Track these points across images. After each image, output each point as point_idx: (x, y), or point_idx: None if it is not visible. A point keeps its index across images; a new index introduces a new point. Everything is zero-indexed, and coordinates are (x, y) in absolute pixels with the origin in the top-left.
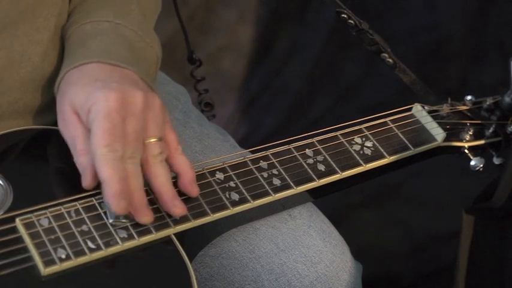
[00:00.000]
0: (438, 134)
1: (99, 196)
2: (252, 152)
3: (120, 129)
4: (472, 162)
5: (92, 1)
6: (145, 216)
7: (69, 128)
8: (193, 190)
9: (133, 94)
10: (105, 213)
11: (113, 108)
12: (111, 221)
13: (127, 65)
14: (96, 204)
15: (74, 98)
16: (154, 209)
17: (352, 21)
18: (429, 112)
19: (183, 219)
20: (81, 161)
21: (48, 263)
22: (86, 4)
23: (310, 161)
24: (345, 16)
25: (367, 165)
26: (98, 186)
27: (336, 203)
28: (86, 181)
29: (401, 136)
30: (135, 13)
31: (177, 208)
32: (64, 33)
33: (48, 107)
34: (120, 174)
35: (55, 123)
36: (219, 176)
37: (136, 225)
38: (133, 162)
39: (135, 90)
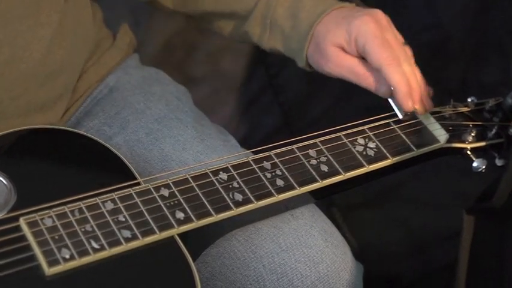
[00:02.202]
0: (441, 135)
1: (103, 196)
2: (255, 153)
3: (387, 42)
4: (475, 164)
5: None
6: (423, 108)
7: (343, 62)
8: (429, 88)
9: (376, 13)
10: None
11: (374, 28)
12: (401, 117)
13: (340, 4)
14: (100, 204)
15: (335, 38)
16: (157, 209)
17: None
18: (432, 113)
19: (187, 220)
20: (369, 81)
21: (52, 263)
22: None
23: (313, 161)
24: None
25: (370, 166)
26: (98, 185)
27: (337, 203)
28: (387, 93)
29: (404, 137)
30: None
31: (430, 103)
32: (262, 13)
33: (51, 105)
34: (405, 78)
35: (58, 122)
36: (222, 176)
37: (140, 225)
38: (408, 64)
39: (374, 10)
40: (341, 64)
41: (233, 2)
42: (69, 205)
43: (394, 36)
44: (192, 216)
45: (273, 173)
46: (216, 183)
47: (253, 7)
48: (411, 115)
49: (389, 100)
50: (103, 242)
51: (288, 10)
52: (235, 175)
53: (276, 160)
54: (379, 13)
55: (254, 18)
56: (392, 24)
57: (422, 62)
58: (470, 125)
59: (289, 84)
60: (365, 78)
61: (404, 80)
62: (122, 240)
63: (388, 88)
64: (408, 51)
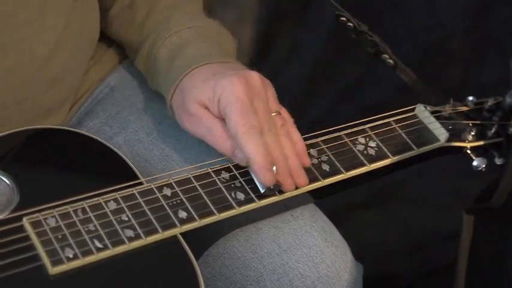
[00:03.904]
0: (441, 134)
1: (105, 196)
2: None
3: (252, 108)
4: (475, 163)
5: (159, 11)
6: (290, 184)
7: (202, 121)
8: (306, 160)
9: (250, 76)
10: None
11: (240, 91)
12: (262, 191)
13: (226, 59)
14: (103, 203)
15: (199, 95)
16: (160, 208)
17: (351, 24)
18: (432, 112)
19: (190, 219)
20: (225, 146)
21: (56, 262)
22: (155, 15)
23: (315, 160)
24: (344, 19)
25: (371, 165)
26: (100, 185)
27: (337, 203)
28: (243, 161)
29: (405, 136)
30: (198, 10)
31: (302, 178)
32: (147, 51)
33: (57, 108)
34: (263, 148)
35: (62, 125)
36: (225, 175)
37: (143, 225)
38: (272, 134)
39: (251, 72)
40: (201, 123)
41: (132, 32)
42: (72, 205)
43: (263, 104)
44: (194, 215)
45: None
46: (218, 183)
47: (142, 41)
48: (275, 189)
49: (250, 172)
50: (106, 241)
51: (169, 53)
52: (237, 175)
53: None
54: (254, 75)
55: (141, 55)
56: (271, 90)
57: (422, 62)
58: (470, 124)
59: (289, 84)
60: (221, 142)
61: (261, 151)
62: (125, 240)
63: (245, 156)
64: (279, 121)
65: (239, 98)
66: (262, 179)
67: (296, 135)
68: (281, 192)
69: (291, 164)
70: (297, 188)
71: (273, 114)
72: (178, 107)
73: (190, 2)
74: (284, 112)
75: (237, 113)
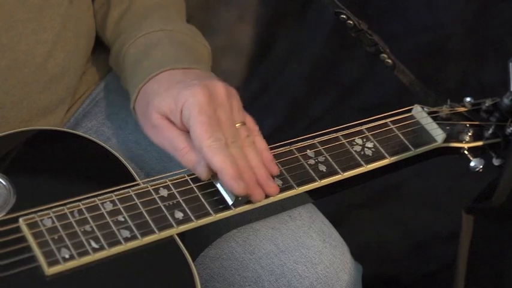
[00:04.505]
0: (438, 135)
1: (102, 197)
2: None
3: (215, 119)
4: (472, 163)
5: (134, 12)
6: (259, 194)
7: (164, 132)
8: (273, 169)
9: (215, 86)
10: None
11: (203, 102)
12: (231, 203)
13: (194, 65)
14: (99, 204)
15: (161, 104)
16: (156, 209)
17: (351, 22)
18: (429, 113)
19: (186, 220)
20: (188, 158)
21: (52, 263)
22: (130, 15)
23: (312, 161)
24: (344, 17)
25: (368, 166)
26: (97, 186)
27: (336, 204)
28: (203, 174)
29: (402, 137)
30: (175, 15)
31: (271, 188)
32: (117, 49)
33: (53, 108)
34: (230, 159)
35: (59, 126)
36: None
37: (140, 225)
38: (236, 146)
39: (214, 82)
40: (162, 134)
41: (108, 28)
42: (68, 206)
43: (226, 115)
44: (191, 216)
45: None
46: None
47: (115, 38)
48: (244, 200)
49: (217, 186)
50: (102, 242)
51: (138, 54)
52: None
53: (275, 161)
54: (218, 86)
55: (113, 53)
56: (236, 99)
57: (422, 62)
58: (468, 125)
59: (289, 84)
60: (183, 154)
61: (229, 162)
62: (122, 240)
63: (206, 169)
64: (244, 131)
65: (202, 110)
66: (235, 188)
67: (262, 144)
68: (250, 202)
69: (258, 174)
70: (268, 197)
71: (237, 125)
72: (141, 114)
73: (169, 8)
74: (249, 121)
75: (201, 126)
